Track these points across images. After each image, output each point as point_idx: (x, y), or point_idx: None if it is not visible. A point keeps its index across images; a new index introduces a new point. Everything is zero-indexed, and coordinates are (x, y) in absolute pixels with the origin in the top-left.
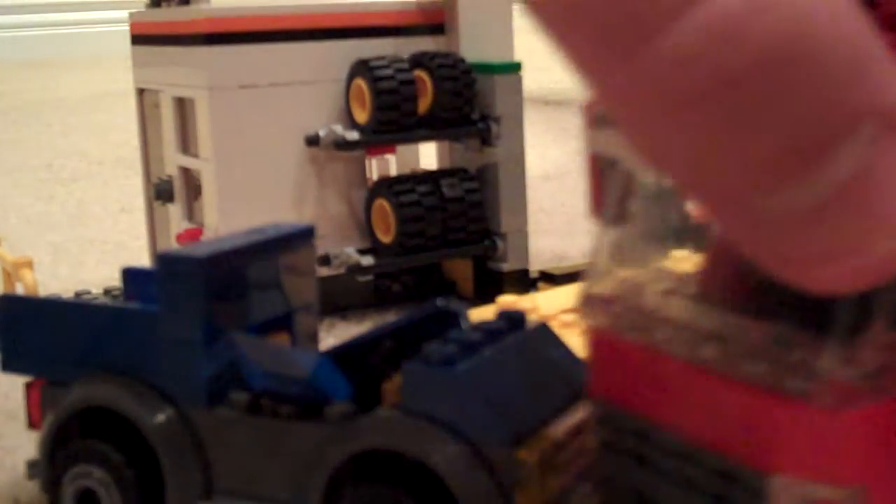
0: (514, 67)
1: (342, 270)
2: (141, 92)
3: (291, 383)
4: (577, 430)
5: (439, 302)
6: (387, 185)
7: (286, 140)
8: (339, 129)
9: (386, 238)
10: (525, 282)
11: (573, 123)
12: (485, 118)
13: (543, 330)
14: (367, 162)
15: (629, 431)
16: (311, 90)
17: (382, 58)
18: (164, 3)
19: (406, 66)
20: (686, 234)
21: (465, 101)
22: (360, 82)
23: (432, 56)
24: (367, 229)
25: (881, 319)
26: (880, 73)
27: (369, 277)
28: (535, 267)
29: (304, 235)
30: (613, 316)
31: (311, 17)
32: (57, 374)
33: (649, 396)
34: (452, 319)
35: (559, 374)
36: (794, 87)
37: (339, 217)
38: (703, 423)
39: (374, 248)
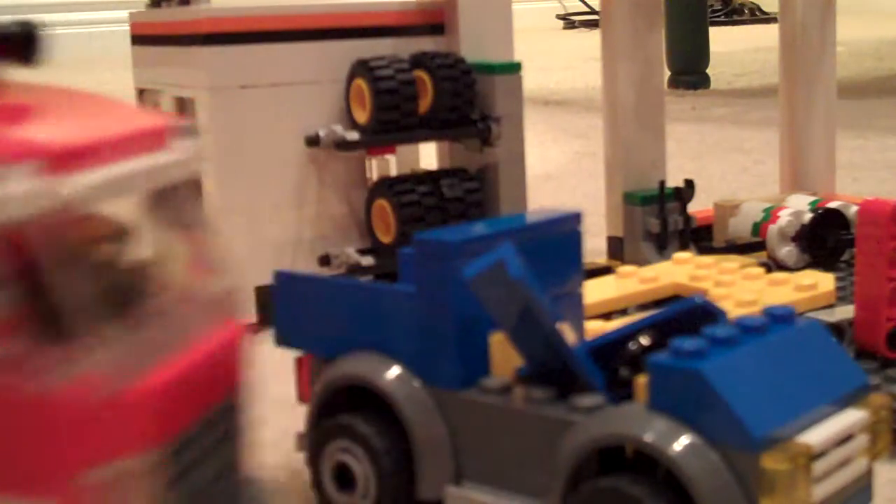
0: (514, 67)
1: (342, 270)
2: (141, 92)
3: (550, 364)
4: (842, 439)
5: (697, 299)
6: (387, 185)
7: (286, 140)
8: (339, 129)
9: (386, 238)
10: None
11: (573, 123)
12: (485, 118)
13: (813, 328)
14: (367, 162)
15: None
16: (311, 90)
17: (382, 58)
18: (164, 3)
19: (406, 66)
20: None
21: (465, 101)
22: (360, 82)
23: (432, 56)
24: (367, 229)
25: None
26: None
27: (369, 277)
28: None
29: (569, 221)
30: None
31: (310, 17)
32: (323, 349)
33: None
34: (712, 318)
35: (825, 376)
36: None
37: (339, 217)
38: None
39: (374, 248)
